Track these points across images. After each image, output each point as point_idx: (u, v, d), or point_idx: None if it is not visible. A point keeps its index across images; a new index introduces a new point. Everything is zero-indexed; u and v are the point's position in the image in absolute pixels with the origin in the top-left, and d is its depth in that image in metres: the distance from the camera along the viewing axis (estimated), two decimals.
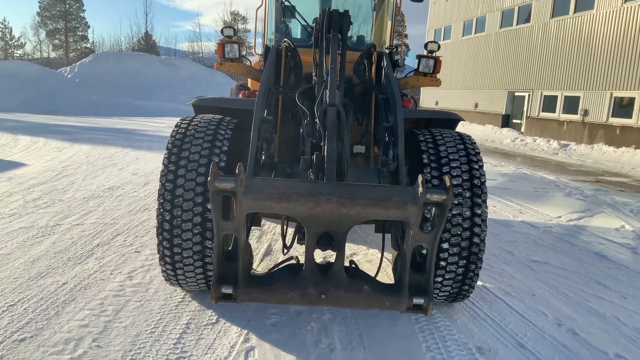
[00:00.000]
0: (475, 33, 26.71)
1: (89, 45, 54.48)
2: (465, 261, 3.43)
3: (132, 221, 5.82)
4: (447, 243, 3.38)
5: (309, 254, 2.46)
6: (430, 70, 4.55)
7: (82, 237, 5.11)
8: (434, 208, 2.51)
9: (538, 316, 3.83)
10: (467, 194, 3.41)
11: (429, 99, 31.42)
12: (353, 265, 2.63)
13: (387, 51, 4.73)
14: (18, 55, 50.61)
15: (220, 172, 2.34)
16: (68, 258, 4.51)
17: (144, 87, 33.26)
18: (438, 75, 4.61)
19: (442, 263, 3.42)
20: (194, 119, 3.74)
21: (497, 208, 7.54)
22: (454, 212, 3.37)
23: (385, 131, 3.61)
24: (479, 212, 3.40)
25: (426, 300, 2.49)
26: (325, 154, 2.72)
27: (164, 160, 3.47)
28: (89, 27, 55.81)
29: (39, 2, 52.52)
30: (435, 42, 4.53)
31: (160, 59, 38.47)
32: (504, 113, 23.48)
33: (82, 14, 54.61)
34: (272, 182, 2.45)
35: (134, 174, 8.96)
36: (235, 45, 4.55)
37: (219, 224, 2.44)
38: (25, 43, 54.13)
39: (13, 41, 51.73)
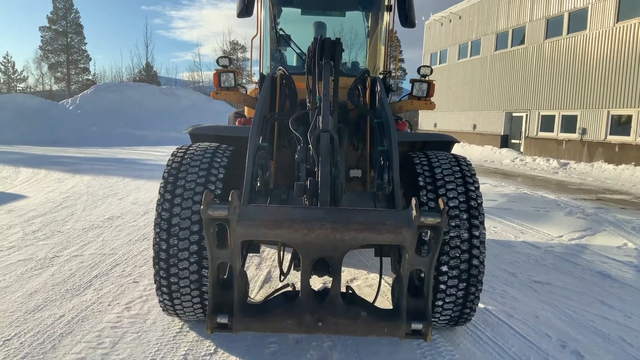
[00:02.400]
0: (470, 56, 27.05)
1: (90, 77, 55.18)
2: (465, 284, 3.40)
3: (131, 251, 5.80)
4: (445, 266, 3.36)
5: (304, 281, 2.44)
6: (423, 94, 4.60)
7: (80, 269, 5.08)
8: (429, 231, 2.50)
9: (542, 338, 3.77)
10: (464, 216, 3.40)
11: (428, 121, 31.62)
12: (350, 291, 2.60)
13: (380, 76, 4.78)
14: (20, 88, 51.24)
15: (216, 200, 2.34)
16: (66, 290, 4.48)
17: (144, 117, 33.57)
18: (432, 99, 4.66)
19: (442, 286, 3.39)
20: (190, 148, 3.77)
21: (498, 229, 7.51)
22: (451, 234, 3.36)
23: (380, 155, 3.62)
24: (476, 233, 3.39)
25: (425, 326, 2.46)
26: (319, 179, 2.73)
27: (159, 189, 3.48)
28: (90, 59, 56.60)
29: (41, 36, 53.53)
30: (428, 66, 4.59)
31: (161, 89, 38.88)
32: (502, 133, 23.60)
33: (83, 47, 55.52)
34: (265, 209, 2.45)
35: (134, 203, 8.96)
36: (231, 74, 4.61)
37: (213, 253, 2.43)
38: (27, 76, 54.97)
39: (16, 75, 52.53)
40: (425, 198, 3.48)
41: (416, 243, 2.41)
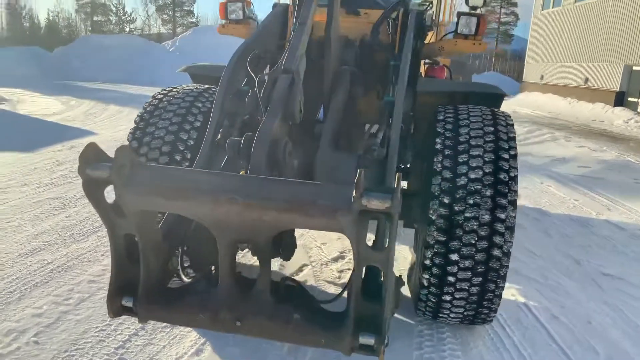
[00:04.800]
0: None
1: (194, 20, 56.64)
2: (480, 278, 2.66)
3: None
4: (456, 254, 2.63)
5: (223, 268, 1.89)
6: (471, 31, 3.62)
7: None
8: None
9: (586, 354, 2.93)
10: (488, 192, 2.61)
11: (534, 72, 28.58)
12: (288, 283, 2.00)
13: (421, 8, 3.85)
14: (130, 29, 53.90)
15: (116, 155, 1.80)
16: (71, 234, 4.34)
17: None
18: (482, 38, 3.66)
19: (450, 279, 2.68)
20: (173, 90, 3.30)
21: (579, 202, 6.34)
22: (467, 214, 2.60)
23: (386, 107, 2.87)
24: (502, 216, 2.59)
25: (377, 341, 1.81)
26: (257, 134, 2.08)
27: (128, 136, 3.07)
28: (194, 1, 57.87)
29: None
30: None
31: None
32: (618, 90, 20.56)
33: None
34: (162, 172, 1.89)
35: None
36: (239, 4, 3.97)
37: (111, 222, 1.94)
38: (136, 18, 57.40)
39: (125, 16, 55.19)
40: (439, 166, 2.71)
41: (366, 231, 1.73)
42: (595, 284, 3.93)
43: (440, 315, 2.90)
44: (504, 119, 2.93)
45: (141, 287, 1.96)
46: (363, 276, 1.93)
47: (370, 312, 1.86)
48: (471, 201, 2.61)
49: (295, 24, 2.58)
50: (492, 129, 2.82)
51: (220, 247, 1.86)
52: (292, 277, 2.00)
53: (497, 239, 2.60)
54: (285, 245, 2.18)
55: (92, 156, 1.79)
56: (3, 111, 13.08)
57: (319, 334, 1.87)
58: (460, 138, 2.78)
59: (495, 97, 3.41)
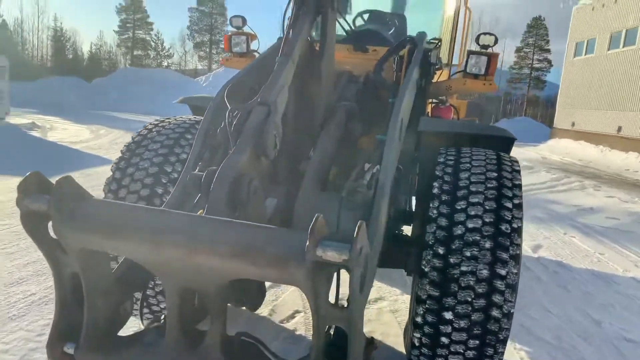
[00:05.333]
0: (623, 47, 23.20)
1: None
2: (477, 341, 2.36)
3: None
4: (450, 312, 2.36)
5: (172, 318, 1.68)
6: (481, 71, 3.43)
7: None
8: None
9: None
10: (487, 244, 2.35)
11: (565, 119, 28.05)
12: (244, 339, 1.78)
13: (430, 46, 3.70)
14: (167, 64, 55.92)
15: (56, 186, 1.63)
16: None
17: None
18: (494, 79, 3.46)
19: (444, 340, 2.40)
20: (166, 120, 3.21)
21: (604, 257, 5.92)
22: (463, 268, 2.34)
23: (378, 146, 2.67)
24: (502, 272, 2.32)
25: None
26: (219, 169, 1.91)
27: (112, 166, 2.96)
28: None
29: (189, 16, 57.93)
30: (491, 34, 3.40)
31: None
32: None
33: (225, 28, 58.90)
34: (106, 207, 1.73)
35: None
36: (243, 37, 3.91)
37: (55, 259, 1.79)
38: (173, 54, 59.77)
39: (163, 52, 57.50)
40: (435, 212, 2.48)
41: (325, 286, 1.51)
42: (616, 350, 3.54)
43: None
44: (509, 164, 2.70)
45: (84, 333, 1.77)
46: (331, 337, 1.70)
47: None
48: (468, 253, 2.36)
49: (280, 55, 2.44)
50: (495, 174, 2.59)
51: (167, 295, 1.66)
52: (250, 333, 1.75)
53: (497, 298, 2.32)
54: (251, 294, 1.98)
55: (33, 186, 1.64)
56: (33, 137, 13.47)
57: None
58: (459, 183, 2.55)
59: (504, 141, 3.17)
